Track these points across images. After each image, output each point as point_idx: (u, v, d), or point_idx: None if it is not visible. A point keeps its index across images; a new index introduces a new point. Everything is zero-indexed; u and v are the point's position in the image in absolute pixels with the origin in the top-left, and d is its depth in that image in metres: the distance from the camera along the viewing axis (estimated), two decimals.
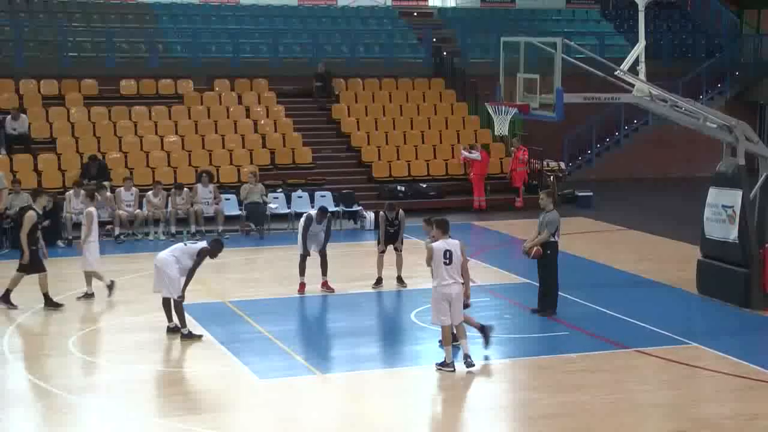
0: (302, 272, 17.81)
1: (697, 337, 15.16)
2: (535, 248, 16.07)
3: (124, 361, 14.10)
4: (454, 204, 26.52)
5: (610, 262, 20.58)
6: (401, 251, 18.29)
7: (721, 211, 17.32)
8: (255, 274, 19.68)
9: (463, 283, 13.48)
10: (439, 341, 14.05)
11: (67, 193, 22.59)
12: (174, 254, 15.03)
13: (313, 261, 17.85)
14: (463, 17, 34.68)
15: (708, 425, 11.95)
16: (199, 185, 23.55)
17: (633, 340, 15.02)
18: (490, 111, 18.57)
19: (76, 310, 16.65)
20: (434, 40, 32.10)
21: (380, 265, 18.23)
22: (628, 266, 20.18)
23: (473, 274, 13.99)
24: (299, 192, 24.68)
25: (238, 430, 11.82)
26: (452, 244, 13.43)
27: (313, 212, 17.74)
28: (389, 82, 30.04)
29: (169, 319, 15.14)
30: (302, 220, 17.85)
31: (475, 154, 26.88)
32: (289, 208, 24.05)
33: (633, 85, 17.75)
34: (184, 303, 15.01)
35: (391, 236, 18.24)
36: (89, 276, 17.21)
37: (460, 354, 13.66)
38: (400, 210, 18.32)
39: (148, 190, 23.17)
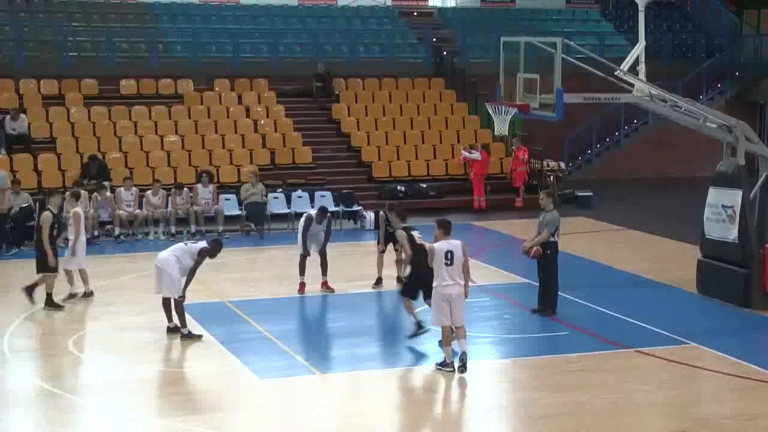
0: (302, 272, 17.81)
1: (697, 337, 15.16)
2: (534, 248, 16.07)
3: (124, 361, 14.10)
4: (454, 204, 26.52)
5: (610, 262, 20.58)
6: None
7: (721, 211, 17.32)
8: (255, 274, 19.68)
9: (461, 284, 13.44)
10: (439, 341, 14.06)
11: (67, 193, 22.54)
12: (175, 254, 15.03)
13: (313, 261, 17.86)
14: (463, 17, 34.68)
15: (708, 425, 11.95)
16: (199, 185, 23.55)
17: (633, 340, 15.02)
18: (490, 111, 18.57)
19: (76, 310, 16.65)
20: (434, 39, 32.09)
21: (380, 265, 18.23)
22: (628, 266, 20.18)
23: (473, 274, 13.99)
24: (299, 192, 24.68)
25: (238, 430, 11.82)
26: (454, 244, 13.39)
27: (313, 212, 17.75)
28: (389, 82, 30.04)
29: (169, 319, 15.15)
30: (302, 220, 17.85)
31: (475, 155, 26.88)
32: (289, 208, 24.05)
33: (633, 85, 17.75)
34: (184, 303, 15.01)
35: (391, 236, 18.21)
36: (84, 275, 17.17)
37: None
38: None
39: (148, 190, 23.17)
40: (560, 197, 26.30)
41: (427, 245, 13.98)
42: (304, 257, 17.77)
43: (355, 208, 24.62)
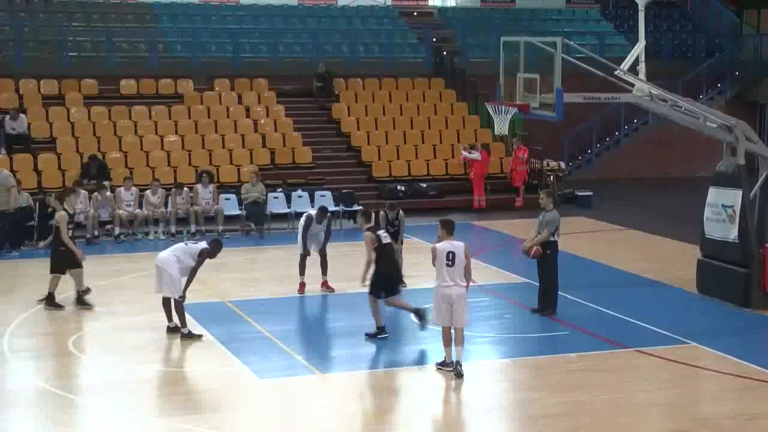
0: (302, 272, 17.81)
1: (697, 337, 15.16)
2: (534, 248, 16.07)
3: (124, 361, 14.10)
4: (454, 204, 26.52)
5: (610, 262, 20.58)
6: (401, 251, 18.26)
7: (721, 210, 17.32)
8: (255, 274, 19.67)
9: (464, 286, 13.37)
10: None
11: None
12: (175, 254, 15.04)
13: (313, 261, 17.86)
14: (463, 17, 34.68)
15: (708, 425, 11.95)
16: (199, 185, 23.55)
17: (633, 340, 15.02)
18: (490, 111, 18.57)
19: (76, 310, 16.64)
20: (434, 39, 32.10)
21: None
22: (628, 266, 20.18)
23: (474, 273, 13.97)
24: (299, 192, 24.68)
25: (238, 430, 11.82)
26: (456, 245, 13.31)
27: (313, 212, 17.75)
28: (389, 82, 30.04)
29: (169, 318, 15.15)
30: (302, 219, 17.85)
31: (475, 155, 26.89)
32: (289, 207, 24.05)
33: (633, 85, 17.75)
34: (184, 303, 15.01)
35: (390, 236, 18.18)
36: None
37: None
38: (400, 210, 18.30)
39: (147, 190, 23.16)
40: (560, 197, 26.30)
41: (430, 245, 13.95)
42: (304, 257, 17.77)
43: (355, 207, 24.61)
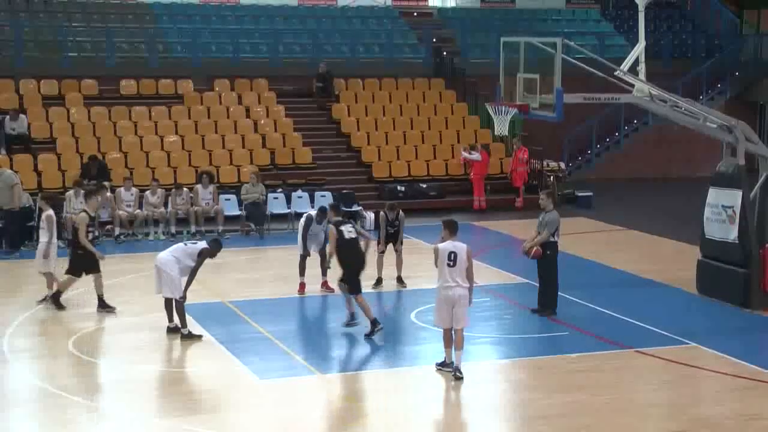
0: (302, 272, 17.82)
1: (697, 337, 15.16)
2: (534, 248, 16.08)
3: (124, 361, 14.11)
4: (454, 204, 26.52)
5: (610, 262, 20.59)
6: (401, 251, 18.29)
7: (721, 211, 17.32)
8: (255, 275, 19.67)
9: (466, 288, 13.31)
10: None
11: (68, 193, 22.57)
12: (174, 254, 15.04)
13: (313, 261, 17.86)
14: (463, 17, 34.67)
15: (708, 425, 11.95)
16: (199, 186, 23.54)
17: (633, 340, 15.03)
18: (490, 111, 18.57)
19: (76, 310, 16.64)
20: (434, 40, 32.10)
21: (380, 265, 18.24)
22: (628, 266, 20.18)
23: (474, 274, 13.94)
24: (299, 192, 24.69)
25: (238, 430, 11.82)
26: (459, 246, 13.24)
27: (313, 212, 17.76)
28: (389, 82, 30.05)
29: (170, 319, 15.16)
30: (302, 220, 17.87)
31: (475, 155, 26.90)
32: (289, 208, 24.06)
33: (633, 86, 17.76)
34: (185, 303, 15.01)
35: (390, 236, 18.25)
36: (50, 277, 17.09)
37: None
38: (400, 211, 18.32)
39: (147, 191, 23.15)
40: (560, 197, 26.31)
41: (431, 246, 13.93)
42: (304, 257, 17.78)
43: (355, 208, 24.63)
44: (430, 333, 15.04)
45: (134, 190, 22.99)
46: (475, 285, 13.56)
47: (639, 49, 17.96)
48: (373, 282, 18.20)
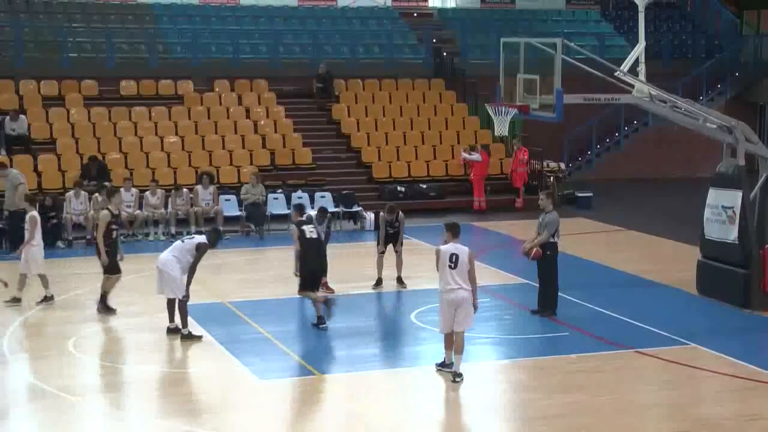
0: None
1: (697, 338, 15.16)
2: (534, 249, 16.07)
3: (124, 361, 14.12)
4: (454, 205, 26.53)
5: (610, 263, 20.58)
6: (401, 252, 18.29)
7: (721, 211, 17.32)
8: (255, 275, 19.67)
9: (469, 290, 13.22)
10: None
11: (68, 193, 22.60)
12: (174, 254, 15.04)
13: None
14: (463, 18, 34.67)
15: (708, 426, 11.96)
16: (199, 187, 23.54)
17: (632, 341, 15.02)
18: (490, 112, 18.58)
19: (77, 310, 16.65)
20: (434, 40, 32.10)
21: (380, 265, 18.24)
22: (628, 267, 20.18)
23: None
24: (299, 193, 24.69)
25: (238, 431, 11.81)
26: (461, 249, 13.17)
27: (314, 213, 17.75)
28: (389, 83, 30.05)
29: (171, 319, 15.16)
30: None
31: (475, 156, 26.90)
32: (289, 208, 24.02)
33: (633, 86, 17.76)
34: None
35: (390, 237, 18.25)
36: (44, 279, 16.93)
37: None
38: (400, 212, 18.32)
39: (147, 191, 23.15)
40: (560, 198, 26.32)
41: (432, 246, 13.91)
42: None
43: (355, 208, 24.63)
44: (430, 333, 15.05)
45: (134, 190, 22.99)
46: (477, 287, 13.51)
47: (639, 50, 17.97)
48: (374, 282, 18.21)
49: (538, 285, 16.70)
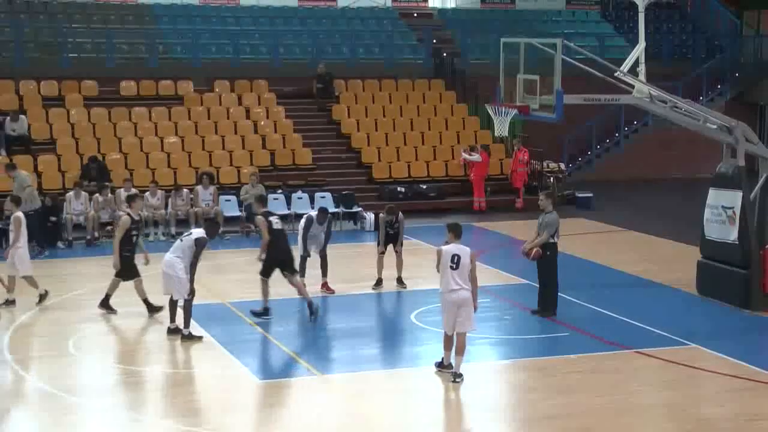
0: (302, 273, 17.78)
1: (697, 338, 15.16)
2: (534, 249, 16.07)
3: (124, 361, 14.11)
4: (454, 205, 26.53)
5: (610, 263, 20.58)
6: (401, 253, 18.28)
7: (722, 212, 17.32)
8: (255, 275, 19.56)
9: (470, 290, 13.21)
10: None
11: (68, 194, 22.60)
12: (175, 254, 15.05)
13: (314, 262, 17.86)
14: (463, 18, 34.68)
15: (708, 426, 11.97)
16: (199, 187, 23.54)
17: (633, 341, 15.02)
18: (490, 112, 18.56)
19: (77, 311, 16.65)
20: (434, 41, 32.10)
21: (380, 266, 18.24)
22: (628, 267, 20.18)
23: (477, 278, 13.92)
24: (299, 193, 24.69)
25: (238, 431, 11.81)
26: (463, 250, 13.17)
27: (314, 213, 17.75)
28: (389, 83, 30.05)
29: (172, 319, 15.16)
30: (303, 221, 17.85)
31: (475, 156, 26.91)
32: (289, 209, 24.05)
33: (633, 86, 17.75)
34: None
35: (390, 238, 18.24)
36: (12, 281, 16.78)
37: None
38: (399, 213, 18.31)
39: (147, 192, 23.14)
40: (560, 198, 26.31)
41: (433, 247, 13.89)
42: (304, 258, 17.76)
43: (355, 209, 24.63)
44: (430, 334, 15.05)
45: (134, 191, 22.93)
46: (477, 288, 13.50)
47: (639, 50, 17.96)
48: (374, 283, 18.20)
49: (538, 285, 16.70)
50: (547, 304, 16.44)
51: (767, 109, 34.81)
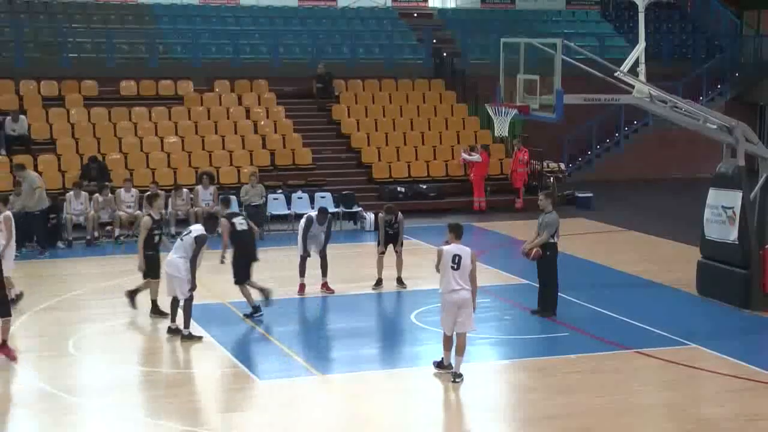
0: (302, 273, 17.82)
1: (697, 338, 15.16)
2: (534, 250, 16.07)
3: (124, 361, 14.11)
4: (454, 205, 26.53)
5: (610, 263, 20.59)
6: (401, 253, 18.28)
7: (722, 212, 17.32)
8: (255, 275, 19.60)
9: (470, 291, 13.21)
10: None
11: (68, 194, 22.59)
12: (179, 255, 15.04)
13: (313, 262, 17.86)
14: (463, 18, 34.67)
15: (708, 426, 11.96)
16: (199, 187, 23.54)
17: (633, 341, 15.02)
18: (490, 112, 18.56)
19: (77, 311, 16.65)
20: (434, 41, 32.10)
21: (380, 266, 18.23)
22: (628, 267, 20.18)
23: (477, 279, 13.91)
24: (299, 193, 24.69)
25: (238, 431, 11.81)
26: (464, 250, 13.16)
27: (314, 213, 17.75)
28: (389, 83, 30.05)
29: (173, 319, 15.16)
30: (303, 221, 17.85)
31: (475, 156, 26.91)
32: (289, 209, 24.05)
33: (633, 86, 17.75)
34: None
35: (390, 238, 18.24)
36: (8, 281, 16.82)
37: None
38: (399, 212, 18.30)
39: (147, 192, 23.11)
40: (560, 198, 26.30)
41: (434, 248, 13.89)
42: (304, 258, 17.78)
43: (355, 209, 24.63)
44: (429, 334, 15.05)
45: (134, 191, 22.97)
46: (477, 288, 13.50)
47: (639, 50, 17.96)
48: (374, 283, 18.21)
49: (538, 285, 16.70)
50: (547, 304, 16.44)
51: (767, 109, 34.81)
